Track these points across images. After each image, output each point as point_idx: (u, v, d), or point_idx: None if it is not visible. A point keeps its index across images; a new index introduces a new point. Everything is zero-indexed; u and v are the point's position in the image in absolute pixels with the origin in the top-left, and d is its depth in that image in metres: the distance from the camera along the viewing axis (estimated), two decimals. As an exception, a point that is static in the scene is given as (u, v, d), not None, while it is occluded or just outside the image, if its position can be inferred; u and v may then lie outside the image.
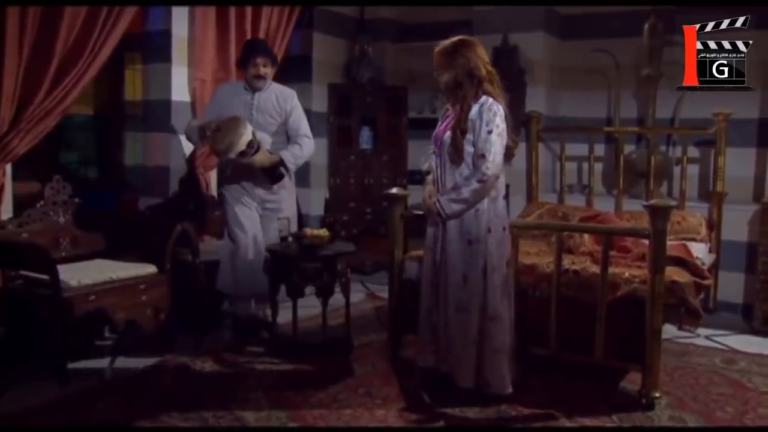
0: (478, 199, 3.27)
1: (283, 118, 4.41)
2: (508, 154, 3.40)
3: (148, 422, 3.13)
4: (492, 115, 3.25)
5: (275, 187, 4.36)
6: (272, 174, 4.32)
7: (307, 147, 4.43)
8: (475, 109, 3.29)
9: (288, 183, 4.47)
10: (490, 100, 3.29)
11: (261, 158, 4.20)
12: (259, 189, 4.39)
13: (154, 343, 4.00)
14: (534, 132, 5.68)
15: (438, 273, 3.41)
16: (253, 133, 4.14)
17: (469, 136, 3.27)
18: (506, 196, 3.44)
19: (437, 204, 3.33)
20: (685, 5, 4.98)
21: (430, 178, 3.51)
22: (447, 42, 3.39)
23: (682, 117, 5.45)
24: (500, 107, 3.28)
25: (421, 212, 3.61)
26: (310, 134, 4.46)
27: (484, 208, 3.31)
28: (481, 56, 3.35)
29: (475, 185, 3.24)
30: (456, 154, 3.31)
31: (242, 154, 4.10)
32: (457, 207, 3.29)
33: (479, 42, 3.42)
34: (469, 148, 3.28)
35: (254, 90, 4.37)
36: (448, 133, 3.36)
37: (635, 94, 5.67)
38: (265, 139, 4.31)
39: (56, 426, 3.11)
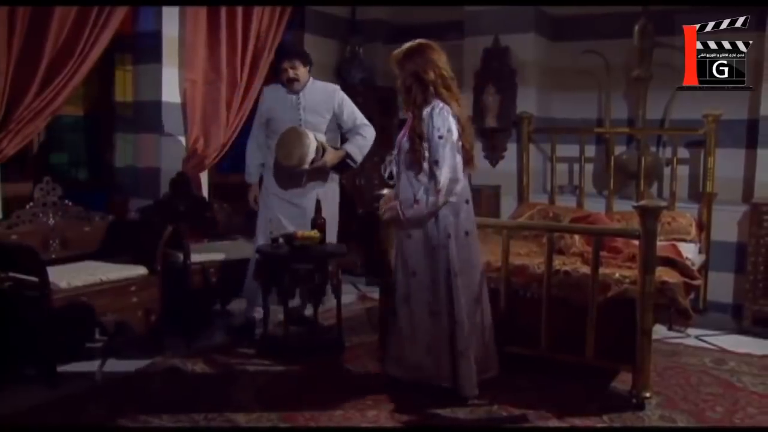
0: (434, 207, 3.27)
1: (331, 113, 4.44)
2: (467, 160, 3.38)
3: (138, 424, 3.12)
4: (441, 121, 3.24)
5: (302, 189, 4.42)
6: (339, 168, 4.44)
7: (370, 134, 4.49)
8: (425, 113, 3.28)
9: (321, 187, 4.47)
10: (440, 104, 3.27)
11: (331, 158, 4.30)
12: (287, 192, 4.43)
13: (145, 345, 3.99)
14: (525, 133, 5.70)
15: (408, 281, 3.41)
16: (316, 137, 4.19)
17: (426, 143, 3.27)
18: (468, 201, 3.41)
19: (398, 207, 3.34)
20: (678, 5, 5.00)
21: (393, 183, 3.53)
22: (403, 46, 3.40)
23: (672, 118, 5.48)
24: (450, 112, 3.26)
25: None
26: (367, 121, 4.52)
27: (443, 213, 3.30)
28: (434, 60, 3.32)
29: (432, 195, 3.25)
30: (414, 161, 3.31)
31: (313, 161, 4.19)
32: (414, 213, 3.30)
33: (437, 46, 3.37)
34: (426, 154, 3.27)
35: (293, 92, 4.40)
36: (406, 138, 3.36)
37: (626, 95, 5.69)
38: (319, 137, 4.35)
39: (46, 428, 3.09)
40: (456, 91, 3.37)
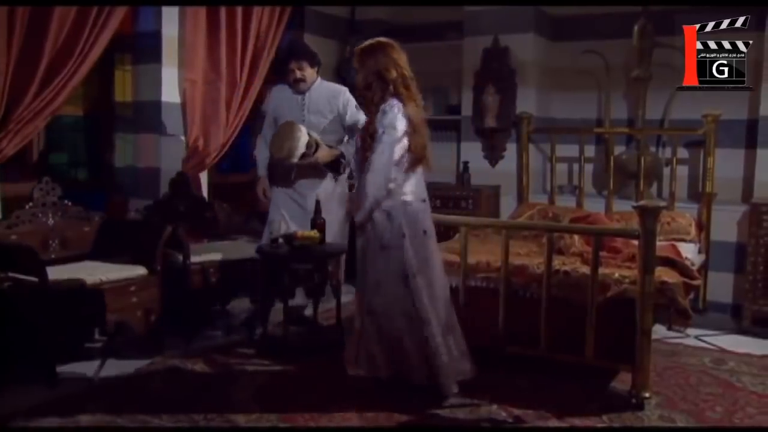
0: (373, 203, 3.27)
1: (335, 115, 4.43)
2: (418, 160, 3.35)
3: (138, 424, 3.12)
4: (391, 117, 3.24)
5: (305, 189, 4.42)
6: (332, 167, 4.42)
7: None
8: (381, 112, 3.29)
9: (325, 185, 4.46)
10: (393, 102, 3.26)
11: (323, 155, 4.27)
12: (289, 190, 4.45)
13: (145, 345, 3.99)
14: (524, 133, 5.70)
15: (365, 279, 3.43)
16: (309, 133, 4.18)
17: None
18: (425, 200, 3.41)
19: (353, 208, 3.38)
20: (678, 5, 5.01)
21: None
22: (365, 43, 3.41)
23: (672, 118, 5.48)
24: (401, 110, 3.25)
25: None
26: None
27: (397, 212, 3.28)
28: (396, 59, 3.32)
29: (367, 190, 3.27)
30: (363, 160, 3.32)
31: (303, 155, 4.17)
32: (361, 213, 3.31)
33: (398, 46, 3.38)
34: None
35: (299, 92, 4.40)
36: (358, 137, 3.38)
37: (625, 95, 5.69)
38: (313, 134, 4.35)
39: (46, 428, 3.09)
40: (415, 91, 3.36)
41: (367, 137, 3.31)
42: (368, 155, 3.29)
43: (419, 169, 3.37)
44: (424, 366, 3.35)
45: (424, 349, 3.32)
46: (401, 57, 3.35)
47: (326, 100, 4.41)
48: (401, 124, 3.24)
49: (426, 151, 3.38)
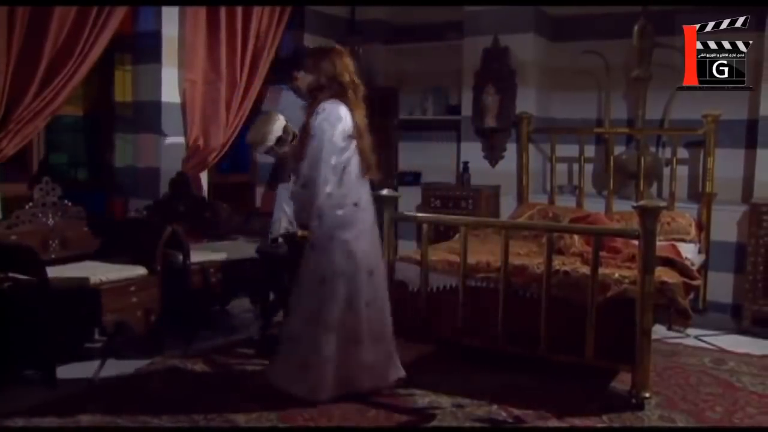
0: (301, 205, 3.30)
1: None
2: (367, 165, 3.34)
3: (138, 424, 3.12)
4: (321, 120, 3.25)
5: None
6: None
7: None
8: (314, 114, 3.31)
9: None
10: (331, 106, 3.27)
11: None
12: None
13: (145, 345, 3.99)
14: (524, 133, 5.70)
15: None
16: (287, 127, 4.17)
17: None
18: (357, 203, 3.35)
19: None
20: (678, 5, 5.01)
21: None
22: (317, 46, 3.50)
23: (672, 118, 5.48)
24: (336, 113, 3.26)
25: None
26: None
27: (327, 215, 3.26)
28: (347, 64, 3.38)
29: (297, 190, 3.31)
30: (294, 161, 3.37)
31: (280, 141, 4.13)
32: (301, 215, 3.34)
33: (348, 53, 3.47)
34: None
35: (302, 98, 4.42)
36: (298, 138, 3.44)
37: (625, 95, 5.69)
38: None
39: (46, 428, 3.09)
40: (360, 98, 3.39)
41: (306, 137, 3.33)
42: (296, 156, 3.36)
43: (357, 173, 3.34)
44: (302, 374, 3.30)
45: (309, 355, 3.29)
46: (351, 64, 3.41)
47: None
48: (331, 128, 3.24)
49: (373, 155, 3.40)
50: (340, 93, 3.32)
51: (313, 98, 3.41)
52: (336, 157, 3.24)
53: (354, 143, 3.30)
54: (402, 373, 3.52)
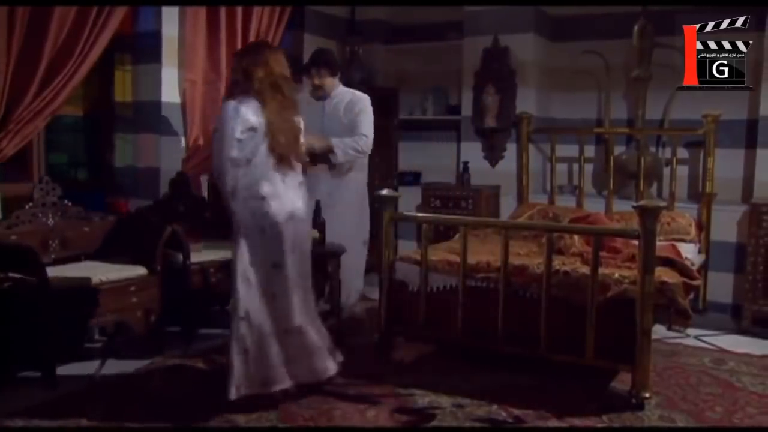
0: (225, 197, 3.34)
1: (349, 120, 4.46)
2: (279, 158, 3.32)
3: (138, 424, 3.12)
4: (221, 116, 3.32)
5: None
6: (323, 158, 4.37)
7: (362, 143, 4.42)
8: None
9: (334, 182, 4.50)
10: (236, 102, 3.27)
11: (309, 140, 4.08)
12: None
13: (145, 345, 3.99)
14: (524, 133, 5.70)
15: None
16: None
17: None
18: (264, 198, 3.30)
19: None
20: (678, 5, 5.01)
21: None
22: (246, 45, 3.61)
23: (672, 118, 5.48)
24: (229, 109, 3.26)
25: None
26: (368, 133, 4.48)
27: (236, 209, 3.29)
28: (267, 60, 3.35)
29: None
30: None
31: None
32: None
33: (277, 50, 3.48)
34: None
35: (317, 99, 4.49)
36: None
37: (625, 95, 5.69)
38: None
39: (45, 428, 3.09)
40: (286, 94, 3.37)
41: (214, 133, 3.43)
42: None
43: (265, 166, 3.31)
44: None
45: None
46: (275, 59, 3.39)
47: (345, 107, 4.48)
48: (227, 124, 3.26)
49: (289, 148, 3.36)
50: (250, 89, 3.33)
51: (229, 94, 3.48)
52: (237, 150, 3.25)
53: (259, 136, 3.28)
54: (332, 370, 3.46)
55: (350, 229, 4.47)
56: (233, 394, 3.20)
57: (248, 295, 3.26)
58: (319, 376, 3.43)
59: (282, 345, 3.31)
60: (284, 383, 3.31)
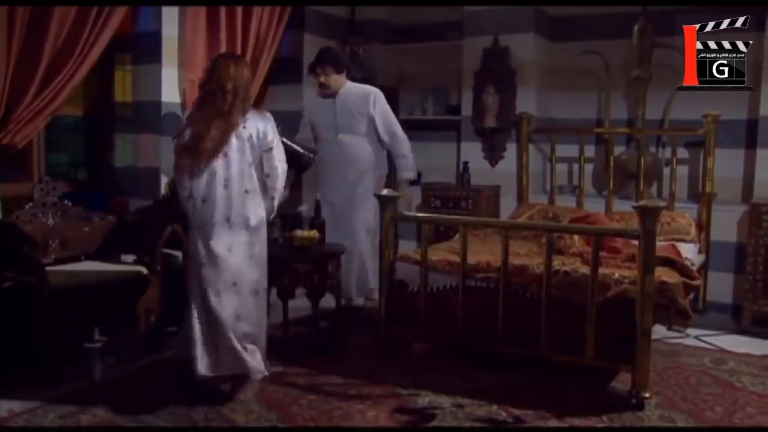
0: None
1: (364, 116, 4.60)
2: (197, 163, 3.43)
3: (138, 424, 3.13)
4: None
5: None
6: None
7: (406, 148, 4.71)
8: None
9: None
10: (190, 110, 3.53)
11: (405, 193, 4.47)
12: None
13: (145, 345, 3.99)
14: (524, 133, 5.70)
15: None
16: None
17: None
18: (205, 200, 3.44)
19: None
20: (678, 5, 5.01)
21: None
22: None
23: (672, 118, 5.48)
24: (184, 117, 3.53)
25: None
26: (400, 131, 4.70)
27: (187, 209, 3.47)
28: (221, 74, 3.41)
29: None
30: None
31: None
32: None
33: (234, 61, 3.52)
34: None
35: (328, 97, 4.55)
36: None
37: (625, 95, 5.69)
38: (353, 140, 4.59)
39: (45, 428, 3.09)
40: (227, 106, 3.39)
41: None
42: None
43: (198, 171, 3.43)
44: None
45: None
46: (229, 72, 3.42)
47: (356, 102, 4.57)
48: (181, 130, 3.50)
49: (193, 150, 3.43)
50: (202, 98, 3.48)
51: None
52: (185, 158, 3.45)
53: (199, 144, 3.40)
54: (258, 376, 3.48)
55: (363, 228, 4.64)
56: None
57: (197, 290, 3.43)
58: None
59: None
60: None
